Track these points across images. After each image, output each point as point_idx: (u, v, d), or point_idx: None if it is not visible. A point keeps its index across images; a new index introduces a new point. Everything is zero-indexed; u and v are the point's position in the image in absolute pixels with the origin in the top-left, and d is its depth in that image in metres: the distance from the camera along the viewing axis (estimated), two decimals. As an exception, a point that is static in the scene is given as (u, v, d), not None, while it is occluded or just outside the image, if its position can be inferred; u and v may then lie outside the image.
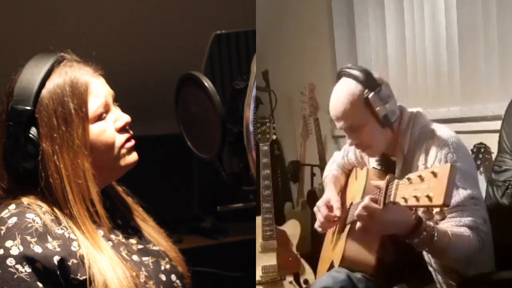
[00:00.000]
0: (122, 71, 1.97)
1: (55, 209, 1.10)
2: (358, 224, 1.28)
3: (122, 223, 1.25)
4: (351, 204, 1.61)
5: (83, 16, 2.21)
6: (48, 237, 1.05)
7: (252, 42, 2.27)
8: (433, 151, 1.38)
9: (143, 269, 1.17)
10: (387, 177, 1.23)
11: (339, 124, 1.49)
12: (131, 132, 1.21)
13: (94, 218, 1.13)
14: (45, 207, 1.10)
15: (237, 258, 2.27)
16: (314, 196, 2.83)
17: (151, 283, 1.16)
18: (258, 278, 2.15)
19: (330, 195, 1.67)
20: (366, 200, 1.24)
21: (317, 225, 1.67)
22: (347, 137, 1.52)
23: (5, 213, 1.08)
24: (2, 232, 1.04)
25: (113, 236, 1.18)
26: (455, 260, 1.29)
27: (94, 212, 1.13)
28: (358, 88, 1.43)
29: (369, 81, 1.43)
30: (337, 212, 1.60)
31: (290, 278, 2.19)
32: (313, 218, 1.71)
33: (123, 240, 1.21)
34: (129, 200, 1.33)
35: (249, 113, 1.19)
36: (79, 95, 1.11)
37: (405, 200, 1.11)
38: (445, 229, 1.27)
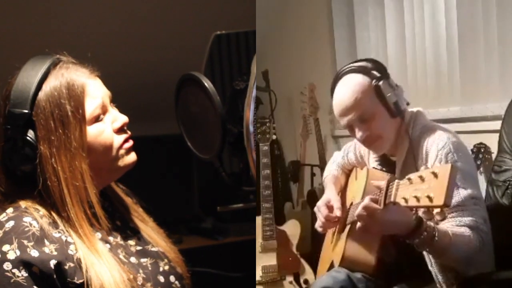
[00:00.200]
0: (122, 71, 1.98)
1: (52, 212, 1.10)
2: (359, 224, 1.28)
3: (120, 224, 1.25)
4: (351, 204, 1.61)
5: (83, 16, 2.21)
6: (45, 241, 1.05)
7: (252, 42, 2.27)
8: (433, 151, 1.37)
9: (141, 271, 1.17)
10: (388, 177, 1.23)
11: (346, 118, 1.45)
12: (129, 132, 1.21)
13: (92, 221, 1.13)
14: (42, 210, 1.09)
15: (237, 258, 2.27)
16: (314, 196, 2.84)
17: (149, 285, 1.16)
18: (258, 278, 2.15)
19: (330, 195, 1.67)
20: (367, 200, 1.24)
21: (317, 225, 1.67)
22: (357, 130, 1.45)
23: (2, 217, 1.08)
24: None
25: (111, 238, 1.18)
26: (455, 260, 1.29)
27: (92, 214, 1.13)
28: (365, 79, 1.42)
29: (378, 69, 1.43)
30: (337, 212, 1.60)
31: (290, 278, 2.19)
32: (313, 218, 1.71)
33: (121, 242, 1.20)
34: (128, 200, 1.33)
35: (249, 113, 1.19)
36: (76, 97, 1.11)
37: (406, 200, 1.11)
38: (446, 229, 1.26)
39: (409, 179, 1.12)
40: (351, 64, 1.47)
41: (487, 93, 1.98)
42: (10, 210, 1.09)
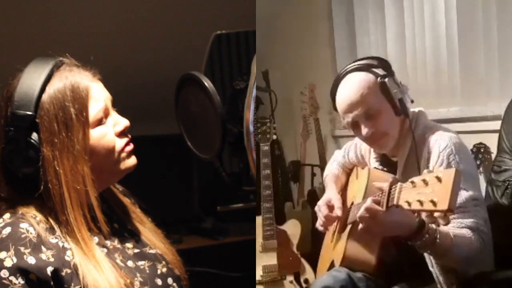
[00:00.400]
0: (122, 71, 1.98)
1: (49, 218, 1.09)
2: (360, 225, 1.27)
3: (118, 226, 1.24)
4: (352, 203, 1.61)
5: (83, 16, 2.21)
6: (42, 247, 1.05)
7: (252, 42, 2.27)
8: (435, 151, 1.37)
9: (138, 275, 1.16)
10: (390, 178, 1.22)
11: (352, 114, 1.43)
12: (129, 136, 1.21)
13: (90, 225, 1.12)
14: (39, 216, 1.09)
15: (237, 258, 2.27)
16: (314, 195, 2.84)
17: None
18: (258, 277, 2.15)
19: (331, 194, 1.67)
20: (369, 201, 1.24)
21: (318, 224, 1.67)
22: (363, 127, 1.43)
23: None
24: None
25: (108, 242, 1.17)
26: (456, 261, 1.29)
27: (91, 218, 1.12)
28: (371, 76, 1.42)
29: (383, 66, 1.43)
30: (338, 212, 1.59)
31: (290, 278, 2.19)
32: (314, 217, 1.71)
33: (119, 246, 1.19)
34: (126, 201, 1.32)
35: (249, 113, 1.19)
36: (80, 99, 1.11)
37: (409, 204, 1.10)
38: (447, 231, 1.26)
39: (412, 182, 1.11)
40: (355, 63, 1.47)
41: (487, 93, 1.98)
42: (7, 216, 1.09)
